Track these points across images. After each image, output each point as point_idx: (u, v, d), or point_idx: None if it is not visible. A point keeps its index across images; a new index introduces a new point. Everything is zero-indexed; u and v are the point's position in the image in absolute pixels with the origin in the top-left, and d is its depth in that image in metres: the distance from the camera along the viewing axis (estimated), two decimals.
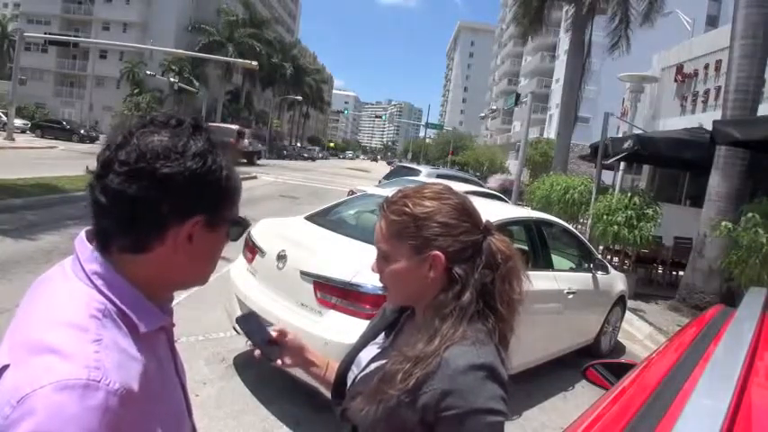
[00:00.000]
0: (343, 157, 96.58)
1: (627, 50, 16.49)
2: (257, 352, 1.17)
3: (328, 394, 1.17)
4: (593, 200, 8.98)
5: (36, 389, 0.59)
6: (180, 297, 4.83)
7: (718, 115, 7.89)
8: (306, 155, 62.60)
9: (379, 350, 1.08)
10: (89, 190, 0.72)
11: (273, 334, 1.18)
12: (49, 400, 0.58)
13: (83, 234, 0.75)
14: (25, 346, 0.64)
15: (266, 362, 1.16)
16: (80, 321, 0.65)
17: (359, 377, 1.06)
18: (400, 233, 0.99)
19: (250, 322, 1.18)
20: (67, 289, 0.70)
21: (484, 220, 1.03)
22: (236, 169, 0.79)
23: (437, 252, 0.96)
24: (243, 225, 0.82)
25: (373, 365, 1.03)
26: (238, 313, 3.44)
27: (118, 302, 0.70)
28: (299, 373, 2.80)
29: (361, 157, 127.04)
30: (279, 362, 1.16)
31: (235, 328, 3.67)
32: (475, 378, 0.87)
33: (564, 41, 20.50)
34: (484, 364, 0.88)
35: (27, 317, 0.69)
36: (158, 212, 0.70)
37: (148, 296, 0.74)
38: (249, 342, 1.17)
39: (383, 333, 1.13)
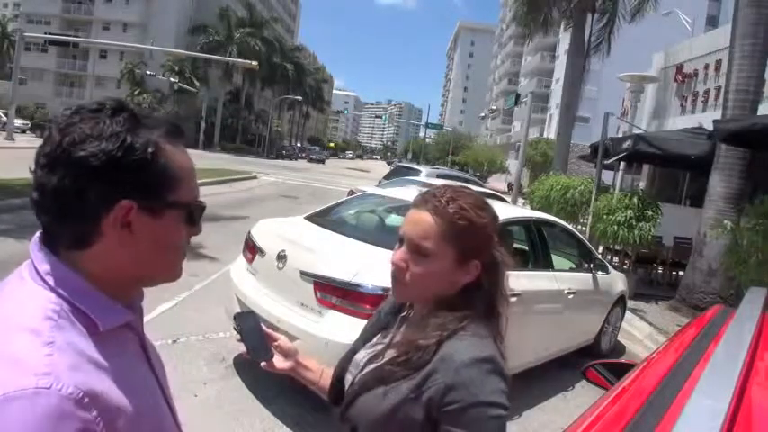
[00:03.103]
0: (343, 157, 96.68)
1: (607, 53, 16.65)
2: (245, 351, 1.17)
3: (325, 398, 1.19)
4: (593, 200, 8.98)
5: None
6: (180, 297, 4.84)
7: (718, 115, 7.88)
8: (314, 156, 56.20)
9: (375, 352, 1.08)
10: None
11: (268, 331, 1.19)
12: None
13: (36, 236, 0.72)
14: None
15: (253, 362, 1.17)
16: (34, 324, 0.63)
17: (357, 378, 1.06)
18: (457, 236, 0.98)
19: (247, 321, 1.18)
20: (22, 292, 0.68)
21: None
22: (180, 148, 0.74)
23: (477, 262, 1.00)
24: (195, 208, 0.76)
25: (371, 366, 1.03)
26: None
27: (73, 301, 0.67)
28: None
29: (363, 157, 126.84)
30: (263, 363, 1.16)
31: (235, 327, 3.66)
32: (479, 371, 0.89)
33: (564, 41, 20.48)
34: (487, 357, 0.91)
35: None
36: (84, 202, 0.66)
37: (111, 293, 0.71)
38: (239, 339, 1.18)
39: (379, 335, 1.13)
